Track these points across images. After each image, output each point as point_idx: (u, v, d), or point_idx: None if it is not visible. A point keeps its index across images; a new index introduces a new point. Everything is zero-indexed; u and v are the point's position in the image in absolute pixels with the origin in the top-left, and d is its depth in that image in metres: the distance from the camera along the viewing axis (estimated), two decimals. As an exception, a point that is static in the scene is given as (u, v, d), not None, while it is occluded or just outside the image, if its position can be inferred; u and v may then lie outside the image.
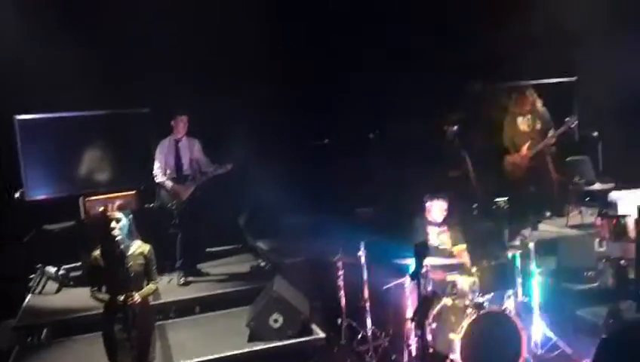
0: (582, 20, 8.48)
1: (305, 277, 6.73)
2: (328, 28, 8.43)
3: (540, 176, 7.80)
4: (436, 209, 5.98)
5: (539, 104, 7.70)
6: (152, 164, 6.99)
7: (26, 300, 6.81)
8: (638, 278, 5.49)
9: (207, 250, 8.03)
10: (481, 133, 8.72)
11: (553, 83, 8.84)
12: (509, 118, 7.87)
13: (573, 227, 7.55)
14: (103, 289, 4.53)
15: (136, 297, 4.41)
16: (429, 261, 5.36)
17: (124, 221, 4.53)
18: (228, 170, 6.92)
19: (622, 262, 5.46)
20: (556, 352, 5.66)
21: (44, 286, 7.09)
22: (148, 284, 4.62)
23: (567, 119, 7.49)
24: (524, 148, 7.70)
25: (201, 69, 7.85)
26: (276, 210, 7.42)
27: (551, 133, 7.55)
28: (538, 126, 7.63)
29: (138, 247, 4.60)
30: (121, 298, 4.36)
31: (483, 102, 8.72)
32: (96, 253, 4.52)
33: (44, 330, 6.25)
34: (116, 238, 4.44)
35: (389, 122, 8.64)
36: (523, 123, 7.70)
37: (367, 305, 5.87)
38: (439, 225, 6.02)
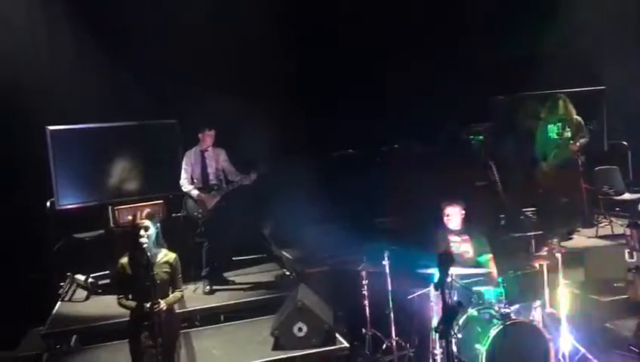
0: (611, 29, 8.41)
1: (329, 286, 6.73)
2: (354, 38, 8.48)
3: (569, 185, 7.68)
4: (453, 215, 5.94)
5: (573, 112, 7.57)
6: (180, 174, 7.09)
7: (56, 307, 6.93)
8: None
9: (233, 258, 8.10)
10: (512, 143, 8.66)
11: (583, 91, 8.73)
12: (540, 126, 7.77)
13: (602, 237, 7.43)
14: (130, 296, 4.59)
15: (162, 305, 4.47)
16: (454, 270, 5.32)
17: (152, 229, 4.60)
18: (252, 180, 6.97)
19: (652, 273, 5.34)
20: (585, 365, 5.57)
21: (73, 294, 7.22)
22: (173, 292, 4.67)
23: (587, 123, 7.41)
24: (551, 157, 7.60)
25: (226, 81, 7.97)
26: (301, 219, 7.44)
27: (571, 143, 7.43)
28: (567, 134, 7.50)
29: (164, 256, 4.67)
30: (148, 305, 4.42)
31: (514, 111, 8.65)
32: (124, 260, 4.60)
33: (73, 337, 6.37)
34: (144, 246, 4.51)
35: (416, 132, 8.63)
36: (552, 130, 7.59)
37: (392, 314, 5.85)
38: (460, 234, 5.97)
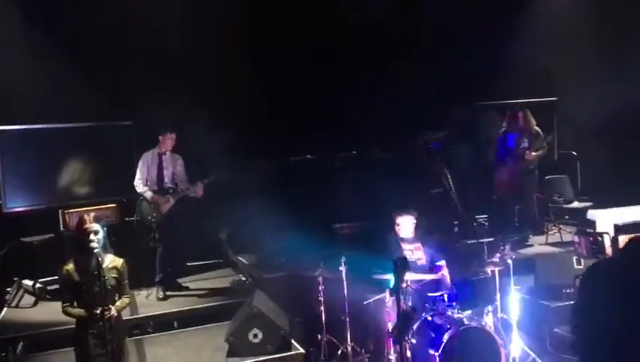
0: (562, 42, 8.69)
1: (285, 292, 6.71)
2: (315, 44, 8.51)
3: (525, 194, 7.87)
4: (406, 224, 5.99)
5: (532, 124, 7.76)
6: (134, 175, 6.96)
7: (2, 313, 6.69)
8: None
9: (188, 264, 7.97)
10: (467, 151, 8.82)
11: (534, 102, 8.98)
12: (499, 135, 7.93)
13: (552, 245, 7.64)
14: (75, 303, 4.45)
15: (113, 311, 4.35)
16: (408, 276, 5.37)
17: (102, 233, 4.49)
18: (198, 195, 6.91)
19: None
20: (534, 369, 5.70)
21: (20, 300, 6.97)
22: (121, 298, 4.56)
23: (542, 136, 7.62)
24: (510, 165, 7.76)
25: (183, 84, 7.87)
26: (258, 224, 7.39)
27: (526, 153, 7.63)
28: (525, 144, 7.69)
29: (112, 261, 4.55)
30: (98, 312, 4.30)
31: (471, 120, 8.82)
32: (69, 266, 4.46)
33: (20, 344, 6.14)
34: (95, 251, 4.38)
35: (371, 139, 8.70)
36: (511, 140, 7.77)
37: (348, 320, 5.86)
38: (412, 242, 6.02)
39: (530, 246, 7.68)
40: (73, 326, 4.58)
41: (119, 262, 4.59)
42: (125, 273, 4.59)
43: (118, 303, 4.49)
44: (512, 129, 7.76)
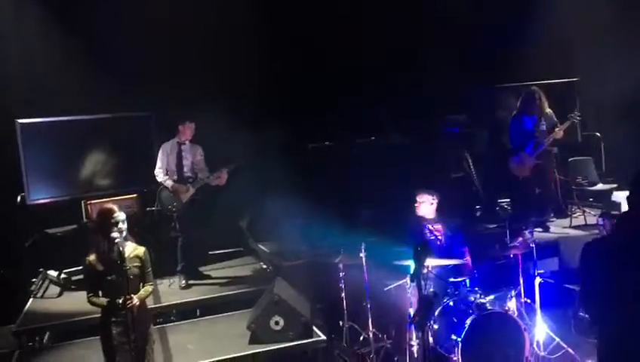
0: (585, 21, 8.50)
1: (307, 279, 6.70)
2: (330, 32, 8.44)
3: (544, 176, 7.76)
4: (425, 203, 5.98)
5: (545, 105, 7.66)
6: (154, 166, 7.00)
7: (28, 304, 6.80)
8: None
9: (209, 253, 8.03)
10: (486, 134, 8.71)
11: (556, 83, 8.82)
12: (515, 118, 7.82)
13: (576, 228, 7.53)
14: (100, 293, 4.50)
15: (136, 300, 4.39)
16: (429, 262, 5.34)
17: (125, 223, 4.53)
18: (222, 183, 6.92)
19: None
20: (559, 353, 5.64)
21: (46, 290, 7.09)
22: (144, 287, 4.59)
23: (570, 115, 7.46)
24: (530, 148, 7.65)
25: (202, 75, 7.86)
26: (278, 212, 7.39)
27: (557, 129, 7.51)
28: (543, 127, 7.58)
29: (134, 250, 4.58)
30: (120, 301, 4.34)
31: (488, 103, 8.70)
32: (92, 257, 4.49)
33: (46, 334, 6.25)
34: (116, 241, 4.43)
35: (390, 124, 8.63)
36: (528, 123, 7.66)
37: (369, 306, 5.85)
38: (433, 223, 6.01)
39: (554, 229, 7.58)
40: (98, 315, 4.64)
41: (141, 250, 4.62)
42: (148, 261, 4.62)
43: (140, 292, 4.52)
44: (528, 111, 7.64)
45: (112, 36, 7.64)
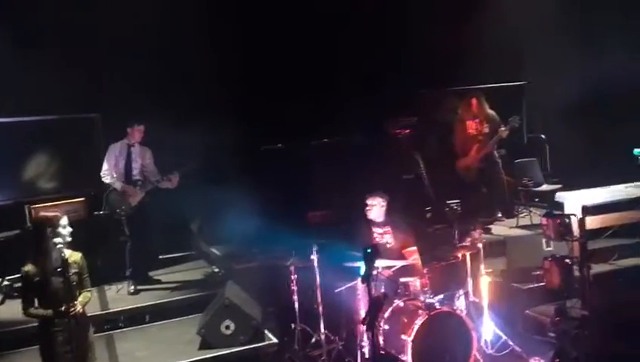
0: (530, 26, 8.72)
1: (258, 282, 6.67)
2: (285, 33, 8.41)
3: (491, 178, 7.96)
4: (375, 206, 6.03)
5: (486, 108, 7.86)
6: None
7: (-32, 312, 6.54)
8: (583, 276, 5.62)
9: (159, 257, 7.88)
10: (435, 136, 8.83)
11: (503, 87, 9.03)
12: (458, 122, 8.02)
13: (522, 227, 7.71)
14: (36, 303, 4.34)
15: (79, 307, 4.27)
16: (380, 263, 5.38)
17: (68, 228, 4.40)
18: (173, 185, 6.82)
19: (567, 260, 5.58)
20: (506, 351, 5.77)
21: (-14, 298, 6.83)
22: (82, 293, 4.45)
23: (510, 119, 7.67)
24: (473, 151, 7.84)
25: (151, 75, 7.72)
26: (229, 215, 7.32)
27: (500, 131, 7.69)
28: (486, 129, 7.79)
29: (70, 255, 4.42)
30: (63, 309, 4.21)
31: (435, 106, 8.84)
32: (28, 267, 4.35)
33: (-14, 343, 6.01)
34: (58, 246, 4.30)
35: (342, 126, 8.65)
36: (471, 126, 7.85)
37: (320, 309, 5.85)
38: (382, 225, 6.06)
39: (501, 229, 7.75)
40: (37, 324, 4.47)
41: (78, 256, 4.49)
42: (85, 267, 4.50)
43: (80, 298, 4.39)
44: (469, 116, 7.84)
45: (58, 36, 7.46)
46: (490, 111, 7.85)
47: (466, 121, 7.91)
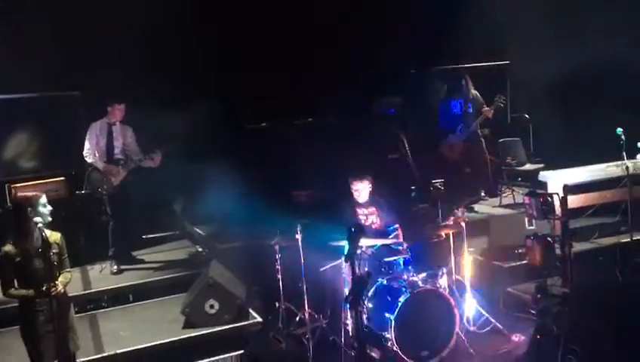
0: (515, 4, 8.70)
1: (242, 261, 6.65)
2: (268, 11, 8.31)
3: (474, 157, 7.99)
4: (362, 189, 6.03)
5: (471, 88, 7.87)
6: (83, 147, 6.75)
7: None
8: (564, 254, 5.69)
9: (143, 236, 7.84)
10: (420, 117, 8.83)
11: (486, 66, 9.02)
12: (443, 102, 8.01)
13: (505, 207, 7.77)
14: (16, 283, 4.30)
15: (60, 287, 4.23)
16: (363, 242, 5.39)
17: (45, 206, 4.35)
18: (156, 164, 6.75)
19: (548, 238, 5.63)
20: (488, 328, 5.86)
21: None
22: (61, 273, 4.41)
23: (495, 98, 7.68)
24: (457, 131, 7.85)
25: (132, 53, 7.60)
26: (213, 194, 7.29)
27: (485, 110, 7.71)
28: (470, 110, 7.80)
29: (50, 235, 4.36)
30: (44, 288, 4.17)
31: (422, 86, 8.82)
32: (7, 247, 4.28)
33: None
34: (39, 226, 4.25)
35: (327, 106, 8.62)
36: (456, 106, 7.86)
37: (305, 287, 5.87)
38: (367, 206, 6.08)
39: (484, 208, 7.81)
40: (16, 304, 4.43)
41: (57, 236, 4.44)
42: (64, 247, 4.45)
43: (61, 278, 4.35)
44: (455, 95, 7.85)
45: (40, 12, 7.30)
46: (474, 91, 7.87)
47: (450, 101, 7.91)
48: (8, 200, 7.10)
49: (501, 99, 7.67)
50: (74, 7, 7.34)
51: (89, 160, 6.72)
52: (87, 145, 6.75)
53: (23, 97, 7.51)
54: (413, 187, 8.35)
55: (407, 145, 8.35)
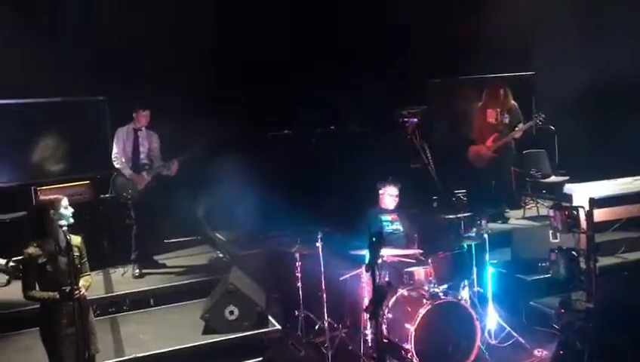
0: (541, 16, 8.63)
1: (263, 268, 6.67)
2: (289, 20, 8.36)
3: (501, 169, 7.86)
4: (388, 195, 6.02)
5: (510, 99, 7.75)
6: (109, 151, 6.83)
7: (-26, 292, 6.58)
8: (589, 269, 5.58)
9: (165, 241, 7.90)
10: (445, 125, 8.77)
11: (512, 77, 8.94)
12: (478, 110, 7.89)
13: (528, 219, 7.67)
14: (37, 286, 4.34)
15: (83, 290, 4.28)
16: (385, 252, 5.36)
17: (68, 208, 4.41)
18: (173, 173, 6.80)
19: (573, 252, 5.53)
20: (509, 342, 5.77)
21: (-7, 279, 6.87)
22: (82, 277, 4.45)
23: (535, 115, 7.57)
24: (490, 140, 7.72)
25: (158, 62, 7.70)
26: (235, 201, 7.32)
27: (519, 126, 7.61)
28: (506, 120, 7.65)
29: (72, 239, 4.40)
30: (68, 290, 4.21)
31: (447, 94, 8.76)
32: (31, 249, 4.33)
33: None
34: (63, 228, 4.31)
35: (349, 115, 8.62)
36: (491, 115, 7.72)
37: (324, 296, 5.85)
38: (391, 212, 6.05)
39: (507, 220, 7.71)
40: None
41: (78, 239, 4.48)
42: (84, 250, 4.50)
43: (82, 282, 4.39)
44: (492, 104, 7.73)
45: (66, 20, 7.41)
46: (513, 103, 7.74)
47: (487, 109, 7.76)
48: (34, 203, 7.22)
49: (541, 116, 7.56)
50: (101, 14, 7.47)
51: (117, 165, 6.80)
52: (115, 149, 6.84)
53: (50, 101, 7.65)
54: (435, 197, 8.30)
55: (429, 155, 8.28)
